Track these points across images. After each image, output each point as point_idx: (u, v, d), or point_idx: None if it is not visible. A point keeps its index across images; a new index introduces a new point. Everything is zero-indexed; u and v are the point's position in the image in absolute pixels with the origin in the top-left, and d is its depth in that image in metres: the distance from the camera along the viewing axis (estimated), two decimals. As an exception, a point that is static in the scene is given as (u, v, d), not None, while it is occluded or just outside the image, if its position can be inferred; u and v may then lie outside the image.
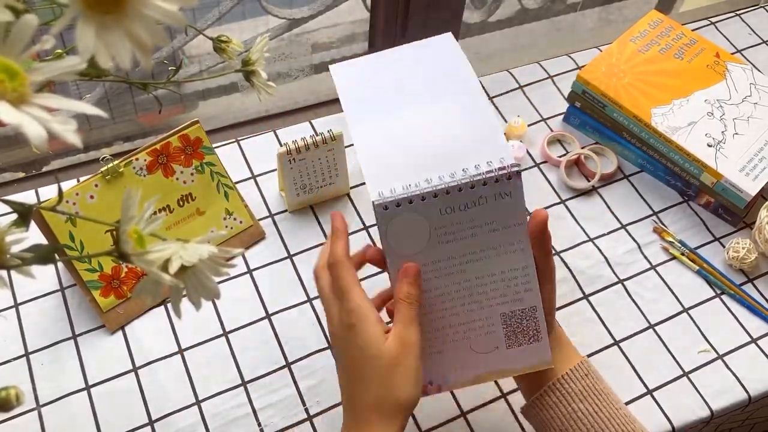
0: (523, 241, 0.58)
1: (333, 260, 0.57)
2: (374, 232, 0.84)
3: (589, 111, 0.91)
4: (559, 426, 0.63)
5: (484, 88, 0.97)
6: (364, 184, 0.87)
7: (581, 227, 0.86)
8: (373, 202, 0.56)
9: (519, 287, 0.59)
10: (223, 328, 0.76)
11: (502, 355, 0.60)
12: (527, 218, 0.58)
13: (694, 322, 0.80)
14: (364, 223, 0.84)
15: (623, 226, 0.86)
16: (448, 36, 0.66)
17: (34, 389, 0.71)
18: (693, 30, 0.99)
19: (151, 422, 0.70)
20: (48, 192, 0.83)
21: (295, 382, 0.73)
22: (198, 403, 0.72)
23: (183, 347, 0.75)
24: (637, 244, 0.85)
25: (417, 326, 0.56)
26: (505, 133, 0.91)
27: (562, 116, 0.95)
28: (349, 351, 0.56)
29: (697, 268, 0.83)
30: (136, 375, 0.73)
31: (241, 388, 0.73)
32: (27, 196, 0.83)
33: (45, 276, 0.78)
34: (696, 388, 0.75)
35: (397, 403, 0.55)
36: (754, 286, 0.83)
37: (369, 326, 0.55)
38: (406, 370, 0.55)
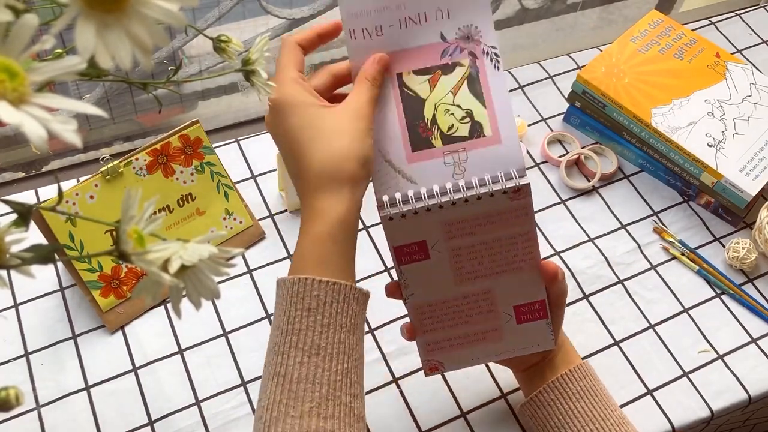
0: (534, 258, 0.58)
1: (283, 40, 0.55)
2: (374, 231, 0.84)
3: (589, 111, 0.91)
4: (556, 424, 0.63)
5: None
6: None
7: (581, 227, 0.86)
8: (379, 210, 0.56)
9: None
10: (223, 328, 0.76)
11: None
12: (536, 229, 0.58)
13: (694, 322, 0.80)
14: (364, 223, 0.84)
15: (623, 226, 0.86)
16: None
17: (34, 389, 0.71)
18: (693, 30, 0.99)
19: (151, 422, 0.70)
20: (48, 192, 0.83)
21: (295, 382, 0.73)
22: (198, 403, 0.71)
23: (183, 347, 0.75)
24: (637, 244, 0.85)
25: (373, 103, 0.54)
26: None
27: (562, 116, 0.95)
28: (283, 128, 0.53)
29: (697, 268, 0.83)
30: (136, 375, 0.73)
31: (241, 388, 0.73)
32: (27, 196, 0.83)
33: (45, 276, 0.78)
34: (696, 388, 0.75)
35: (342, 169, 0.52)
36: (754, 286, 0.83)
37: (301, 95, 0.53)
38: (354, 133, 0.52)
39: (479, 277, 0.59)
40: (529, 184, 0.55)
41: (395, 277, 0.59)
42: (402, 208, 0.55)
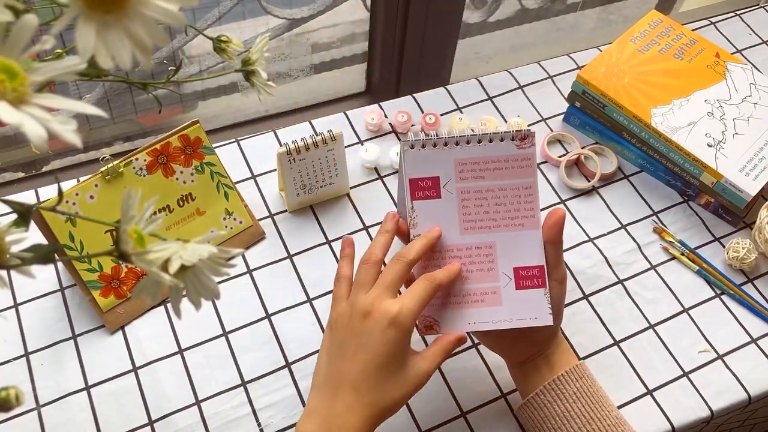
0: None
1: (374, 258, 0.61)
2: (374, 232, 0.84)
3: (589, 111, 0.91)
4: (553, 425, 0.64)
5: (484, 88, 0.97)
6: (364, 184, 0.87)
7: (581, 227, 0.86)
8: (403, 144, 0.62)
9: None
10: (223, 328, 0.76)
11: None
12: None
13: (694, 322, 0.80)
14: (363, 223, 0.84)
15: (623, 226, 0.86)
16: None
17: (34, 389, 0.71)
18: (693, 30, 0.99)
19: (150, 422, 0.70)
20: (48, 192, 0.83)
21: (295, 382, 0.73)
22: (198, 403, 0.72)
23: (183, 347, 0.75)
24: (637, 244, 0.85)
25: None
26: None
27: (562, 116, 0.95)
28: (372, 340, 0.57)
29: (697, 268, 0.83)
30: (136, 375, 0.73)
31: (241, 388, 0.73)
32: (27, 196, 0.83)
33: (45, 276, 0.78)
34: (696, 388, 0.75)
35: (384, 406, 0.57)
36: (754, 286, 0.83)
37: (407, 337, 0.58)
38: (414, 389, 0.58)
39: (483, 228, 0.63)
40: (534, 133, 0.63)
41: None
42: (423, 139, 0.62)
